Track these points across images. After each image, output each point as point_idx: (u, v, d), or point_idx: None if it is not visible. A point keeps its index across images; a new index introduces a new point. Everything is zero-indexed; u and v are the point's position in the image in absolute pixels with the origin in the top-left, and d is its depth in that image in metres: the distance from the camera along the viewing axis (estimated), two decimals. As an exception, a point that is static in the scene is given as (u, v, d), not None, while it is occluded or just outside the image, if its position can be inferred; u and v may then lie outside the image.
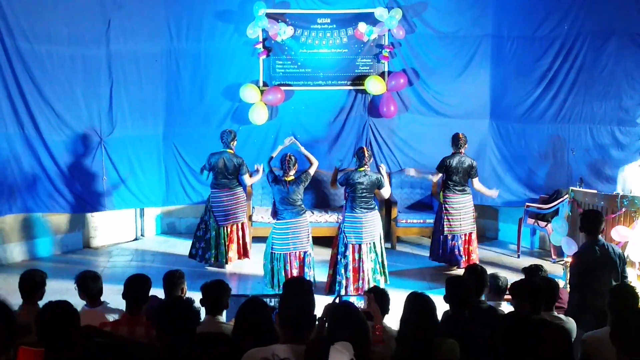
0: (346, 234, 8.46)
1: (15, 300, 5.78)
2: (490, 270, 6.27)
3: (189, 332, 3.79)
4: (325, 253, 9.26)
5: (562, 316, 5.53)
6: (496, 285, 5.92)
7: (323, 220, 10.32)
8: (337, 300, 4.58)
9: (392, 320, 5.10)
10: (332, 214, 10.34)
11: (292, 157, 8.52)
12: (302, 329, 3.72)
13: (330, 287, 8.58)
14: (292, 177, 8.44)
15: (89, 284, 5.62)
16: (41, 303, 5.62)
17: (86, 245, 10.55)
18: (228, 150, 9.41)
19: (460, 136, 9.32)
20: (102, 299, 5.71)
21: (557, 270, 9.14)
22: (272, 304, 5.44)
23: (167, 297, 5.72)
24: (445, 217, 9.37)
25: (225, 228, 9.43)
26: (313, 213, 10.30)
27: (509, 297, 6.25)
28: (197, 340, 3.83)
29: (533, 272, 6.34)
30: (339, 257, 8.50)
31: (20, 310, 5.60)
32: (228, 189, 9.42)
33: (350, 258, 8.42)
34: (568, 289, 7.12)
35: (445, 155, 9.36)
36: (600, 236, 6.53)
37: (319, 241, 9.53)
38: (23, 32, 9.31)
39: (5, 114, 9.39)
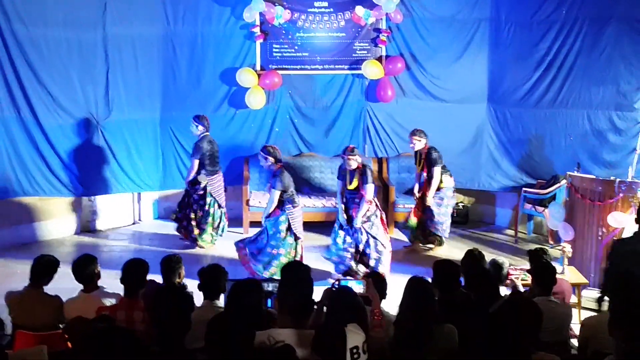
0: None
1: (13, 284, 5.80)
2: (487, 255, 6.29)
3: (183, 318, 3.80)
4: (320, 239, 9.25)
5: (558, 301, 5.55)
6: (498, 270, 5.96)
7: (320, 205, 10.28)
8: (335, 285, 4.58)
9: (390, 304, 5.11)
10: (330, 198, 10.29)
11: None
12: (301, 313, 3.72)
13: None
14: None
15: (81, 268, 5.62)
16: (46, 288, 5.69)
17: (83, 230, 10.54)
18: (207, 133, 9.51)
19: None
20: (99, 283, 5.70)
21: (555, 255, 9.14)
22: (269, 288, 5.44)
23: (165, 282, 5.73)
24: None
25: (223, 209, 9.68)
26: (311, 197, 10.31)
27: (508, 282, 6.31)
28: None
29: (537, 255, 6.34)
30: None
31: (24, 292, 5.62)
32: (220, 171, 9.67)
33: None
34: (564, 275, 7.16)
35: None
36: None
37: (314, 226, 9.52)
38: (19, 15, 9.26)
39: (1, 98, 9.37)
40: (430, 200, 9.42)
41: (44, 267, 5.66)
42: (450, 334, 4.28)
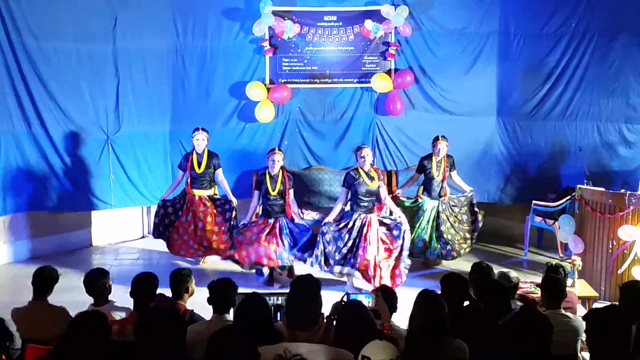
0: None
1: (22, 297, 5.81)
2: (496, 268, 6.27)
3: (176, 341, 3.78)
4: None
5: (569, 314, 5.52)
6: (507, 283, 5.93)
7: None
8: (344, 299, 4.57)
9: (400, 318, 5.09)
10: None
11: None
12: (311, 327, 3.71)
13: None
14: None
15: (92, 281, 5.63)
16: (50, 299, 5.70)
17: (93, 244, 10.56)
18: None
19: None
20: (109, 297, 5.71)
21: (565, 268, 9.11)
22: (278, 302, 5.44)
23: (174, 296, 5.73)
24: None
25: None
26: (320, 211, 10.31)
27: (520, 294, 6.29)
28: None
29: (554, 270, 6.34)
30: None
31: (29, 306, 5.63)
32: None
33: None
34: (574, 288, 7.13)
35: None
36: None
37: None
38: (30, 28, 9.33)
39: (12, 111, 9.42)
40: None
41: (46, 279, 5.67)
42: (461, 349, 4.26)
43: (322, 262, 8.42)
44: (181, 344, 3.82)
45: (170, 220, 9.46)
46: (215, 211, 9.37)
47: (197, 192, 9.36)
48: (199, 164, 9.31)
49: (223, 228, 9.31)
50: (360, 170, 8.52)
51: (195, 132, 9.34)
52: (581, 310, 6.87)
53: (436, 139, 9.38)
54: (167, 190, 9.71)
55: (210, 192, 9.46)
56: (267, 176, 8.75)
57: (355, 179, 8.49)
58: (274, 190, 8.70)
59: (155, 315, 3.98)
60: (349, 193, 8.62)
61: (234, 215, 9.32)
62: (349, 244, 8.43)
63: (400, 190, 9.78)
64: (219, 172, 9.47)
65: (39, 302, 5.64)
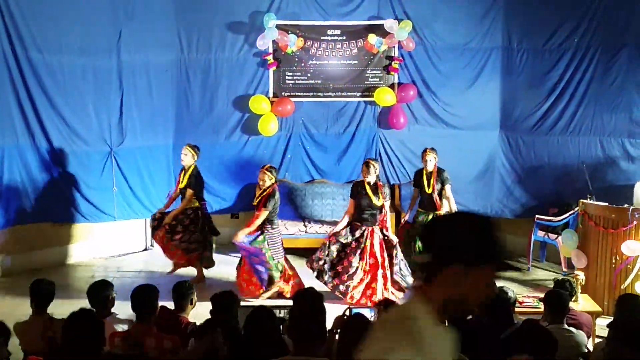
0: None
1: (24, 310, 5.81)
2: (499, 283, 6.25)
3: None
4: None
5: (572, 329, 5.51)
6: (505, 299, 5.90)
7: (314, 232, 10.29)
8: (347, 313, 4.57)
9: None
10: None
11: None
12: (315, 341, 3.70)
13: None
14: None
15: (96, 292, 5.64)
16: (51, 312, 5.70)
17: (95, 256, 10.56)
18: None
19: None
20: (112, 309, 5.71)
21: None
22: (281, 315, 5.44)
23: (176, 308, 5.73)
24: None
25: None
26: (322, 225, 10.30)
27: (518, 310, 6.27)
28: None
29: (561, 285, 6.34)
30: None
31: (30, 320, 5.63)
32: None
33: None
34: (578, 303, 7.11)
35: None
36: None
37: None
38: (35, 42, 9.37)
39: (17, 124, 9.44)
40: None
41: (44, 292, 5.68)
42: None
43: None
44: None
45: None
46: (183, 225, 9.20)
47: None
48: (182, 181, 9.22)
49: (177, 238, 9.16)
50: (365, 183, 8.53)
51: (183, 148, 9.24)
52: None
53: (424, 151, 9.27)
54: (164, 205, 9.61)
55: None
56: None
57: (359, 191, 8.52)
58: None
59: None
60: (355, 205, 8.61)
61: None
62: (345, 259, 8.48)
63: (407, 215, 9.63)
64: (188, 191, 9.16)
65: (40, 316, 5.63)
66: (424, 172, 9.26)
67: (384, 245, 8.52)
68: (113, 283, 5.92)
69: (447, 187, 9.24)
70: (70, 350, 3.89)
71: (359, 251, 8.41)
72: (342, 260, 8.44)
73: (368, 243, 8.43)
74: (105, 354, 4.08)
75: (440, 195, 9.21)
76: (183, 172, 9.24)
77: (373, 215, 8.51)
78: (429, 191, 9.19)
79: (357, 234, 8.46)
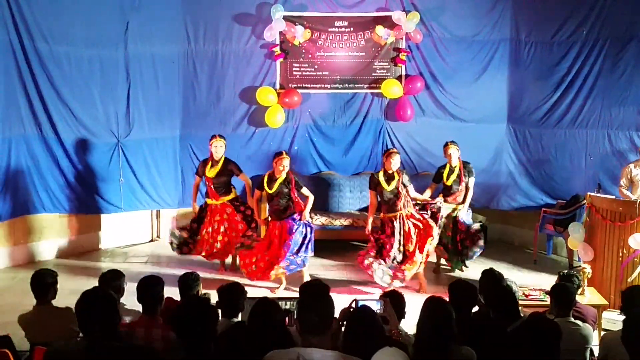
0: None
1: (30, 301, 5.82)
2: (507, 275, 6.24)
3: (209, 330, 3.83)
4: (340, 257, 9.26)
5: (579, 322, 5.50)
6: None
7: (339, 224, 10.26)
8: (353, 305, 4.56)
9: (408, 324, 5.08)
10: (348, 217, 10.30)
11: None
12: (323, 332, 3.69)
13: None
14: None
15: (108, 280, 5.68)
16: (55, 302, 5.71)
17: (102, 247, 10.59)
18: None
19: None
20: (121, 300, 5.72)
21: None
22: (287, 307, 5.44)
23: (182, 299, 5.73)
24: None
25: None
26: (330, 216, 10.29)
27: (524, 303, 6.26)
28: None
29: (567, 278, 6.33)
30: None
31: (34, 311, 5.64)
32: None
33: None
34: (584, 296, 7.10)
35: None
36: None
37: (334, 245, 9.65)
38: (42, 33, 9.38)
39: (24, 115, 9.47)
40: (465, 214, 9.38)
41: (41, 283, 5.66)
42: (468, 356, 4.24)
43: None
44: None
45: (194, 229, 9.40)
46: (236, 217, 9.28)
47: (216, 201, 9.25)
48: (211, 170, 9.20)
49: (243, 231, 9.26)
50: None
51: (213, 140, 9.16)
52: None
53: (445, 145, 9.35)
54: (191, 198, 9.73)
55: (230, 196, 9.33)
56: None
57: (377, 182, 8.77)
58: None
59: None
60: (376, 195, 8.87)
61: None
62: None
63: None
64: (242, 176, 9.34)
65: (43, 306, 5.64)
66: (447, 166, 9.28)
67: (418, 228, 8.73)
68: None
69: (471, 180, 9.35)
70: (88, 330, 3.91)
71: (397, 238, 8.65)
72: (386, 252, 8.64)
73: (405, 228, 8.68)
74: (110, 346, 4.07)
75: (466, 187, 9.39)
76: (210, 163, 9.18)
77: (391, 201, 8.69)
78: (456, 185, 9.32)
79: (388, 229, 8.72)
